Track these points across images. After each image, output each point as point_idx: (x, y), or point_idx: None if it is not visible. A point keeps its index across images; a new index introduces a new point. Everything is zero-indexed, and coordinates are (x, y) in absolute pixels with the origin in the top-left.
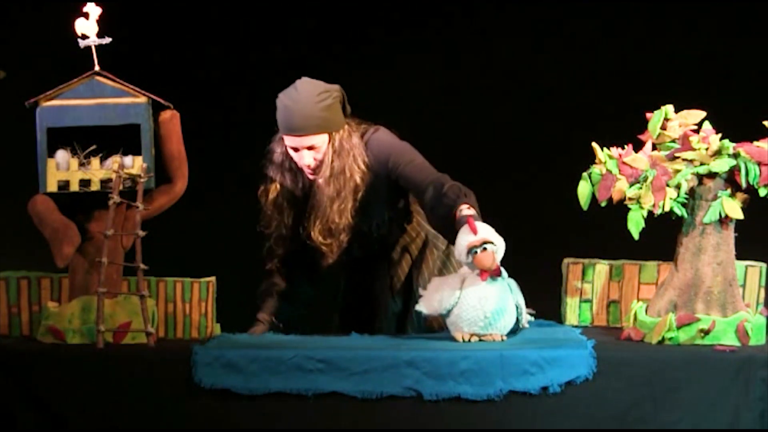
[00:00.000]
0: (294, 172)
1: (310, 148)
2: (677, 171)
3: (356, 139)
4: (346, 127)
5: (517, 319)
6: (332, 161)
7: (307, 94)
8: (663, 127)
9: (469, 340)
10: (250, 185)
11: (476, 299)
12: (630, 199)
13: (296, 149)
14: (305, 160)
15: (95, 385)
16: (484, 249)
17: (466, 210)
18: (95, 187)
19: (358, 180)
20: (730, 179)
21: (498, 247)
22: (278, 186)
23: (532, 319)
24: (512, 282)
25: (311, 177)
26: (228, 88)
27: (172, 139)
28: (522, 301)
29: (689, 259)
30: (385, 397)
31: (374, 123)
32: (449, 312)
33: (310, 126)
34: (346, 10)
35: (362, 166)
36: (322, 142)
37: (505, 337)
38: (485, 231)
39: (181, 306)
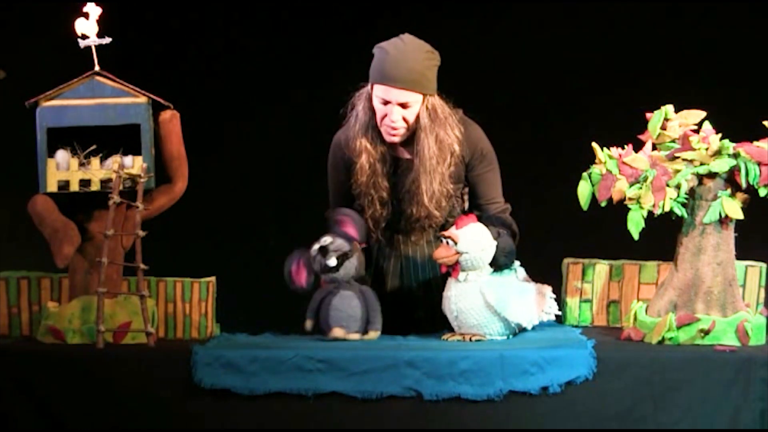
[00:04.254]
0: (377, 131)
1: (402, 105)
2: (677, 171)
3: (449, 110)
4: (438, 97)
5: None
6: (428, 126)
7: (414, 47)
8: (663, 127)
9: (447, 339)
10: (250, 185)
11: (446, 297)
12: (630, 199)
13: (386, 102)
14: (393, 116)
15: (95, 385)
16: (446, 243)
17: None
18: (95, 187)
19: (457, 148)
20: (730, 179)
21: (465, 252)
22: (367, 146)
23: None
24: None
25: (391, 138)
26: (228, 87)
27: (172, 139)
28: (504, 306)
29: (689, 259)
30: (385, 397)
31: None
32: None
33: (410, 80)
34: (346, 11)
35: (459, 135)
36: (415, 102)
37: (483, 337)
38: (463, 234)
39: (181, 306)
